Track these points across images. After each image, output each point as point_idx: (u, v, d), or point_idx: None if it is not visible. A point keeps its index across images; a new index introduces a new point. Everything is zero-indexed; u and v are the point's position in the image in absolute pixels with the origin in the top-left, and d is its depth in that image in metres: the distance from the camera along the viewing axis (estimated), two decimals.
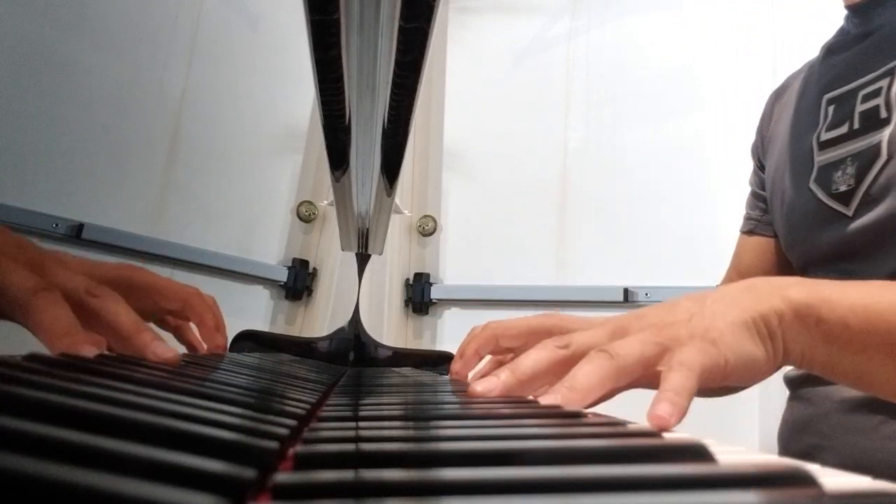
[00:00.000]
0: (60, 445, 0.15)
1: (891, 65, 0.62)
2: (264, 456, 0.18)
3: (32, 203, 1.22)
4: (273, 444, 0.19)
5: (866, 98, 0.63)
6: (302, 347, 1.07)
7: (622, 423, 0.31)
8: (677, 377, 0.34)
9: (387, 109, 0.50)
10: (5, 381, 0.22)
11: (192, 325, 0.64)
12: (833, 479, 0.18)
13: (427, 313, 1.73)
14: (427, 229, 1.75)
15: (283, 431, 0.21)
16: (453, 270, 1.75)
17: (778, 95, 0.84)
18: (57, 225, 1.25)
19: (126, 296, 0.59)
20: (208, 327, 0.62)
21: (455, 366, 0.69)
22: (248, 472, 0.15)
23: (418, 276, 1.74)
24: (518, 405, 0.41)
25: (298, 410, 0.28)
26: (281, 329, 1.62)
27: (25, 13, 0.76)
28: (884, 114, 0.60)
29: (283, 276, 1.63)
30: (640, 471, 0.19)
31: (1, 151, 1.19)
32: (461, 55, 1.83)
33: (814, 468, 0.19)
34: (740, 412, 1.29)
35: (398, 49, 0.42)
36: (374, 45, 0.43)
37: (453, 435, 0.27)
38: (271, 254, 1.64)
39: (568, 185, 1.71)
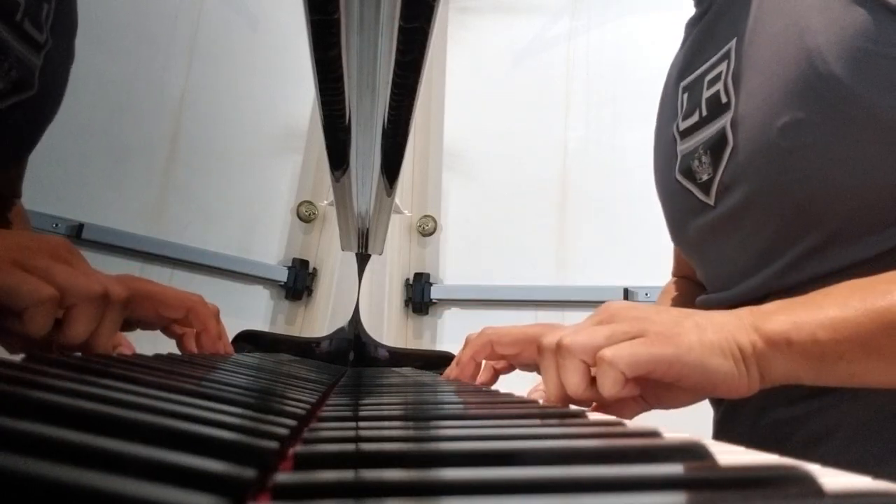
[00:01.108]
0: (61, 445, 0.15)
1: (726, 47, 0.61)
2: (264, 456, 0.18)
3: (32, 203, 1.22)
4: (273, 444, 0.19)
5: (710, 84, 0.62)
6: (302, 347, 1.07)
7: (621, 423, 0.31)
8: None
9: (387, 109, 0.50)
10: (5, 381, 0.22)
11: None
12: (833, 479, 0.18)
13: (427, 313, 1.73)
14: (427, 229, 1.75)
15: (283, 431, 0.21)
16: (453, 270, 1.75)
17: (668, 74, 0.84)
18: (57, 225, 1.25)
19: (129, 307, 0.59)
20: (211, 335, 0.62)
21: (451, 372, 0.69)
22: (248, 472, 0.15)
23: (418, 276, 1.74)
24: (518, 405, 0.41)
25: (298, 410, 0.28)
26: (281, 329, 1.62)
27: None
28: (724, 98, 0.59)
29: (283, 276, 1.63)
30: (640, 471, 0.19)
31: None
32: (461, 55, 1.83)
33: (814, 468, 0.19)
34: None
35: (398, 49, 0.42)
36: (374, 45, 0.43)
37: (453, 435, 0.27)
38: (271, 254, 1.64)
39: (568, 185, 1.71)
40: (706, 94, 0.62)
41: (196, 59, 1.50)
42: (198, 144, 1.50)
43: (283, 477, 0.16)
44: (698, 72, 0.65)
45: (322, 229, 1.70)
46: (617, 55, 1.74)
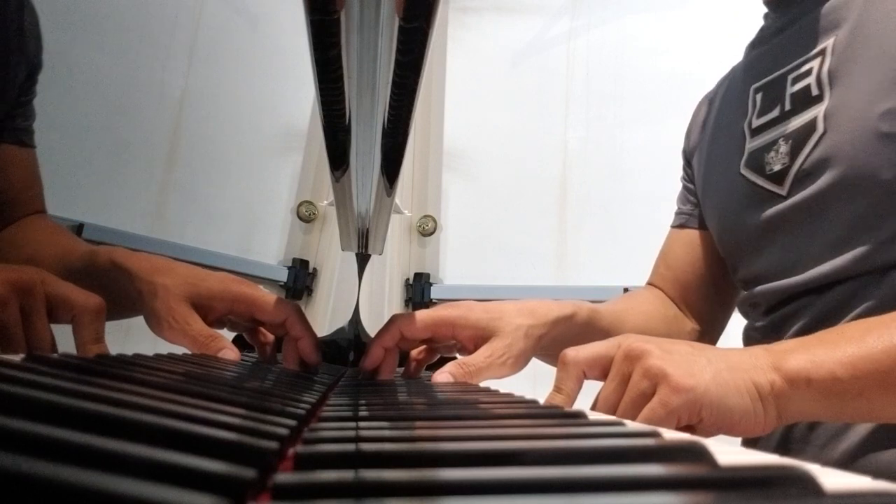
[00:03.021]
0: (61, 445, 0.15)
1: (820, 46, 0.62)
2: (264, 456, 0.18)
3: None
4: (273, 444, 0.19)
5: (796, 80, 0.64)
6: None
7: (622, 423, 0.31)
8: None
9: (387, 109, 0.50)
10: (5, 381, 0.22)
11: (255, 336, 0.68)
12: (833, 479, 0.18)
13: None
14: (427, 229, 1.75)
15: (283, 431, 0.21)
16: (453, 270, 1.75)
17: (710, 100, 0.84)
18: None
19: (229, 308, 0.61)
20: (311, 342, 0.62)
21: (363, 363, 0.66)
22: (248, 472, 0.15)
23: (418, 276, 1.73)
24: (518, 405, 0.41)
25: (298, 410, 0.28)
26: None
27: None
28: (815, 91, 0.61)
29: (283, 276, 1.63)
30: (640, 471, 0.19)
31: None
32: (461, 55, 1.83)
33: (814, 468, 0.19)
34: None
35: (398, 49, 0.42)
36: (374, 45, 0.43)
37: (453, 435, 0.27)
38: (271, 254, 1.64)
39: (568, 185, 1.71)
40: (791, 89, 0.64)
41: (196, 59, 1.50)
42: (198, 144, 1.50)
43: (283, 477, 0.16)
44: (778, 72, 0.67)
45: (322, 229, 1.70)
46: (617, 55, 1.74)
